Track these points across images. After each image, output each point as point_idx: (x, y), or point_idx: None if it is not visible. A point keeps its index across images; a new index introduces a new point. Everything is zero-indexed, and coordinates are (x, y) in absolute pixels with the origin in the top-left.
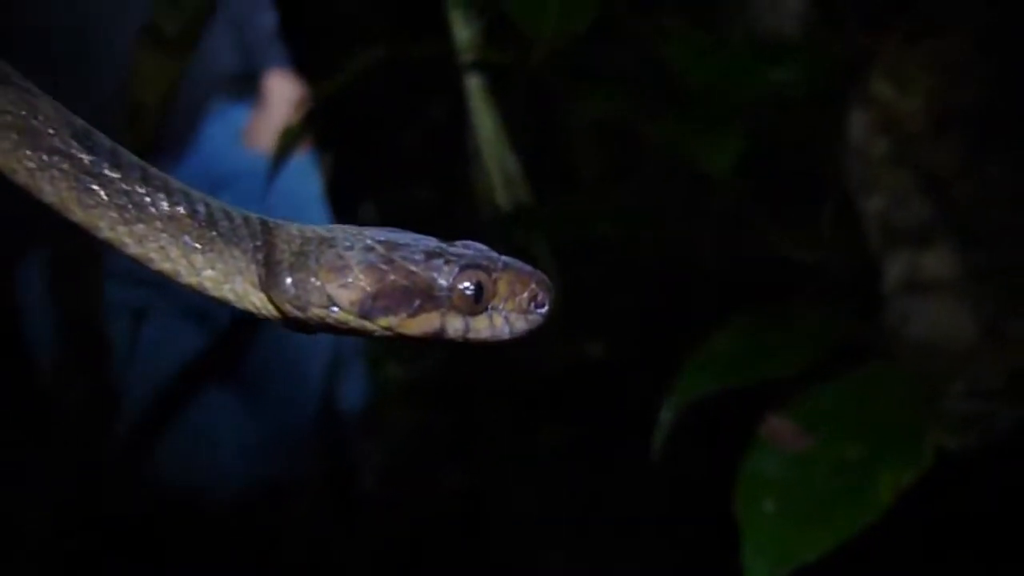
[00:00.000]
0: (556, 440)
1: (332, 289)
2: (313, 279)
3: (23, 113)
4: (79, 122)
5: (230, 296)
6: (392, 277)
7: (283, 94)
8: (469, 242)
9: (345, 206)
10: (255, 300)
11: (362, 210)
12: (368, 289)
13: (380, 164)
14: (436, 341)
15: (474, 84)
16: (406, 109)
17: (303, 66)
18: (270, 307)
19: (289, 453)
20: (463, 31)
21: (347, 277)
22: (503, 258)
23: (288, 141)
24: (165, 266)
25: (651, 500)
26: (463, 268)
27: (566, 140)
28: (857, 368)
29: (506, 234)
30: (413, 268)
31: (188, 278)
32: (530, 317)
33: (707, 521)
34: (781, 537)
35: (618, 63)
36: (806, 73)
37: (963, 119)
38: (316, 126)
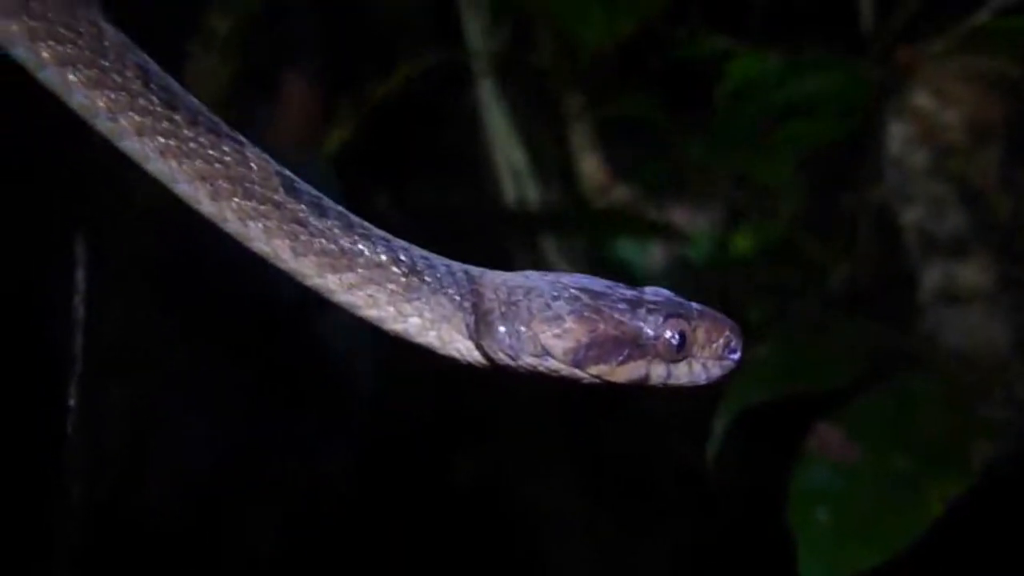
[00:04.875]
0: (569, 433)
1: (547, 339)
2: (526, 329)
3: (234, 163)
4: (285, 171)
5: (435, 342)
6: (602, 327)
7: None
8: (658, 289)
9: (361, 197)
10: (460, 347)
11: (377, 203)
12: (582, 339)
13: (396, 159)
14: (639, 387)
15: (486, 85)
16: (423, 108)
17: (339, 73)
18: (476, 354)
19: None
20: (479, 38)
21: (560, 327)
22: (695, 305)
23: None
24: (372, 312)
25: (665, 497)
26: (667, 318)
27: (572, 139)
28: (897, 377)
29: (520, 232)
30: (621, 318)
31: (393, 324)
32: (724, 363)
33: (716, 519)
34: (836, 546)
35: (649, 66)
36: (840, 83)
37: (1001, 132)
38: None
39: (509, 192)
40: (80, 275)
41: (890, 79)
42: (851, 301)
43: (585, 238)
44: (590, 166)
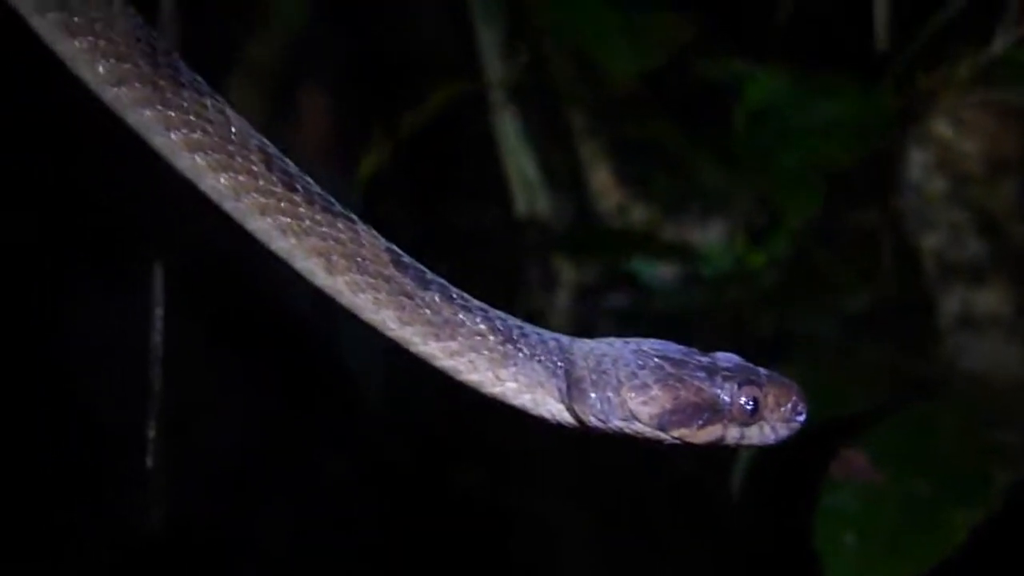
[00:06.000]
0: (579, 452)
1: (634, 405)
2: (615, 396)
3: (347, 239)
4: (392, 246)
5: (528, 404)
6: (684, 394)
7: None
8: (728, 355)
9: (378, 217)
10: (552, 409)
11: (396, 219)
12: (666, 406)
13: (413, 177)
14: (714, 448)
15: (501, 106)
16: (438, 126)
17: (355, 93)
18: (566, 415)
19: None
20: (495, 60)
21: (647, 395)
22: (763, 371)
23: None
24: (472, 377)
25: (680, 519)
26: (741, 384)
27: (587, 159)
28: (917, 402)
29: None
30: (701, 385)
31: (491, 388)
32: (791, 425)
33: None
34: (863, 570)
35: (667, 87)
36: (858, 108)
37: (1019, 162)
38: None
39: (522, 209)
40: (159, 313)
41: (909, 105)
42: (869, 324)
43: (600, 258)
44: (605, 186)
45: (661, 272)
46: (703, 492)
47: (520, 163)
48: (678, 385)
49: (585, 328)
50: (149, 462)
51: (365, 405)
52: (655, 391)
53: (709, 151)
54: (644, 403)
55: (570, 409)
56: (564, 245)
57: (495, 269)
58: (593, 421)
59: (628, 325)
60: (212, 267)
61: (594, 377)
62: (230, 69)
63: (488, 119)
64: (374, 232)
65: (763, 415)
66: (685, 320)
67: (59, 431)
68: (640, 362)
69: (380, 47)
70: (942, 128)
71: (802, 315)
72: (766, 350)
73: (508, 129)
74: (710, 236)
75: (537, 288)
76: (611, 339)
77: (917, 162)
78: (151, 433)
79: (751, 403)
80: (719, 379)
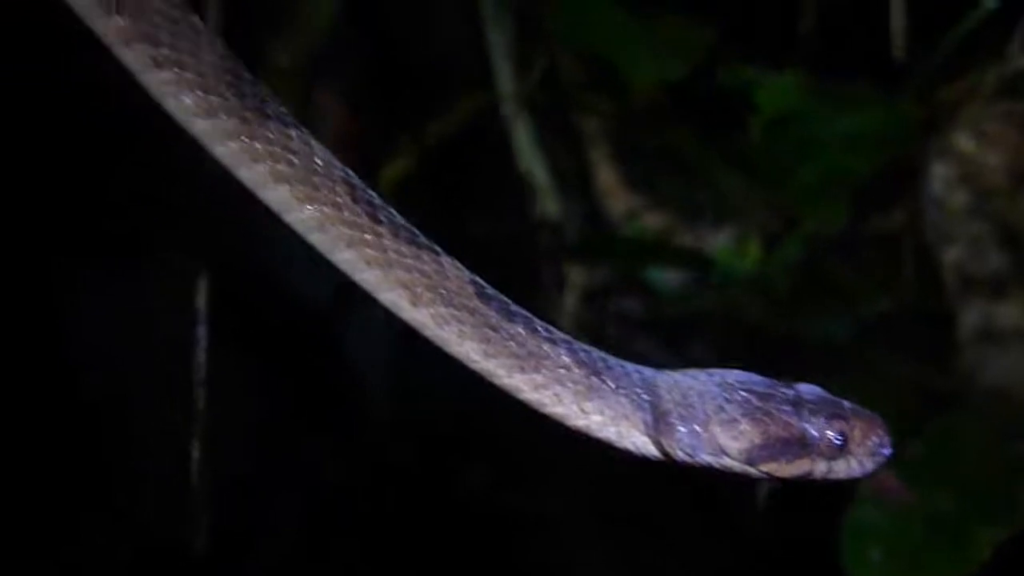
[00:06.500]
0: (591, 456)
1: (724, 440)
2: (703, 430)
3: (432, 272)
4: (476, 278)
5: (613, 437)
6: (773, 428)
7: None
8: (811, 387)
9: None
10: (636, 441)
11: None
12: (756, 440)
13: (432, 184)
14: (801, 481)
15: (516, 115)
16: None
17: (372, 99)
18: (651, 448)
19: None
20: (508, 72)
21: (736, 429)
22: (847, 404)
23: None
24: (557, 410)
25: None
26: (829, 419)
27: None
28: (939, 416)
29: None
30: (789, 420)
31: (576, 420)
32: (877, 458)
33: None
34: None
35: (683, 95)
36: (879, 119)
37: None
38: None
39: (536, 214)
40: (202, 332)
41: (931, 117)
42: (887, 335)
43: (615, 266)
44: (618, 192)
45: (671, 276)
46: (724, 501)
47: (534, 169)
48: (766, 419)
49: (593, 332)
50: (193, 479)
51: (373, 407)
52: (744, 425)
53: (727, 160)
54: (733, 438)
55: (656, 443)
56: (579, 253)
57: (511, 274)
58: (680, 455)
59: (639, 329)
60: (217, 268)
61: (681, 411)
62: (256, 75)
63: (503, 126)
64: (458, 264)
65: (850, 449)
66: (696, 325)
67: (80, 437)
68: (726, 395)
69: (396, 54)
70: (964, 141)
71: (816, 323)
72: (779, 358)
73: (522, 135)
74: (723, 242)
75: (554, 291)
76: (693, 371)
77: (939, 176)
78: (195, 453)
79: (839, 437)
80: (806, 413)
